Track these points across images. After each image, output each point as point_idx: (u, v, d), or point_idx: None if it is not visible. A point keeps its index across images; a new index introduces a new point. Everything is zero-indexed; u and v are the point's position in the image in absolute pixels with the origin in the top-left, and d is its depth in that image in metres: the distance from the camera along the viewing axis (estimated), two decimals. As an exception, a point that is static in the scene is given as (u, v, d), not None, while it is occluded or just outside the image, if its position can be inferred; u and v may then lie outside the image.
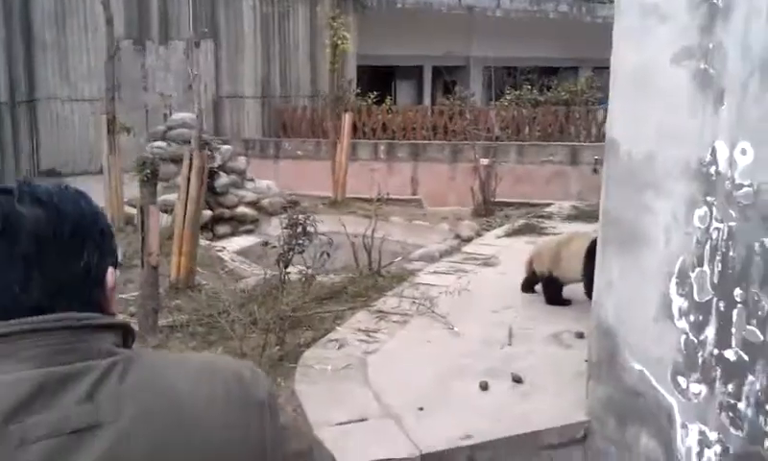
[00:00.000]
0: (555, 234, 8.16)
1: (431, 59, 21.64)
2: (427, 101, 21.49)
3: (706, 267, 3.08)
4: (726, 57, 3.03)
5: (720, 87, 3.06)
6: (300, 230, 4.91)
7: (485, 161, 11.50)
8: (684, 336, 3.16)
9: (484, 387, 4.15)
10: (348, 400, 3.98)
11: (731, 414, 2.88)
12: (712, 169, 3.09)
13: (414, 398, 4.00)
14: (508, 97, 15.68)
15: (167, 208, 7.74)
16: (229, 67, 16.45)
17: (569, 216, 9.65)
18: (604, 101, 16.71)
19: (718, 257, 3.02)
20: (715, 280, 3.02)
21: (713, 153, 3.09)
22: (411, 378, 4.30)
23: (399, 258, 7.12)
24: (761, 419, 2.74)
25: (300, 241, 4.91)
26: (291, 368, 4.50)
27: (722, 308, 2.97)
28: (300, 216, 5.03)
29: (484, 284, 6.31)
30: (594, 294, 3.84)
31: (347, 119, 10.21)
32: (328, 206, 10.38)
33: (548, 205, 10.42)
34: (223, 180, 9.72)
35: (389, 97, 16.63)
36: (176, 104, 14.81)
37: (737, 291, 2.89)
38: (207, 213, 8.89)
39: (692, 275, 3.15)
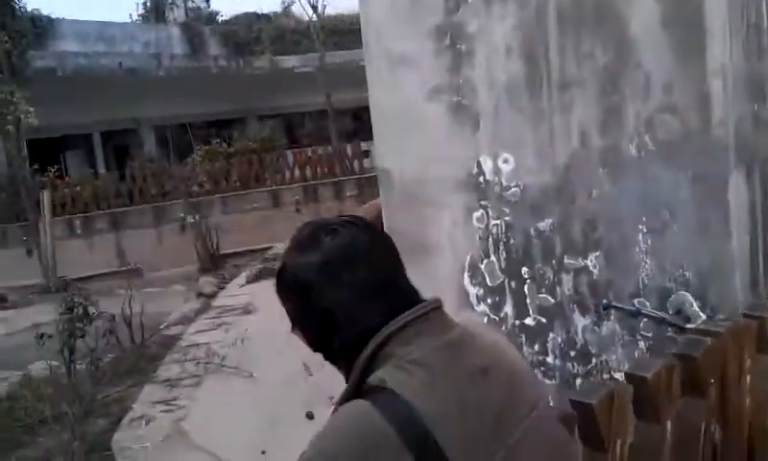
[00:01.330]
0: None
1: (99, 124, 20.67)
2: (102, 169, 20.41)
3: (492, 257, 3.78)
4: (475, 88, 3.78)
5: (475, 113, 3.80)
6: (80, 311, 4.59)
7: (195, 217, 11.55)
8: (485, 317, 3.83)
9: (310, 416, 4.41)
10: (187, 466, 3.95)
11: (542, 368, 3.60)
12: (481, 179, 3.81)
13: (251, 446, 4.11)
14: (199, 153, 15.78)
15: None
16: None
17: (293, 254, 10.25)
18: (285, 147, 17.77)
19: (501, 247, 3.74)
20: (503, 266, 3.73)
21: (479, 166, 3.81)
22: (237, 430, 4.38)
23: (164, 325, 6.92)
24: (568, 365, 3.49)
25: (80, 325, 4.59)
26: (107, 456, 4.27)
27: (514, 287, 3.69)
28: (76, 298, 4.70)
29: (254, 330, 6.49)
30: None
31: (46, 197, 9.42)
32: (41, 293, 9.48)
33: (269, 248, 10.87)
34: None
35: (58, 168, 15.47)
36: None
37: (524, 270, 3.63)
38: None
39: (482, 266, 3.83)
